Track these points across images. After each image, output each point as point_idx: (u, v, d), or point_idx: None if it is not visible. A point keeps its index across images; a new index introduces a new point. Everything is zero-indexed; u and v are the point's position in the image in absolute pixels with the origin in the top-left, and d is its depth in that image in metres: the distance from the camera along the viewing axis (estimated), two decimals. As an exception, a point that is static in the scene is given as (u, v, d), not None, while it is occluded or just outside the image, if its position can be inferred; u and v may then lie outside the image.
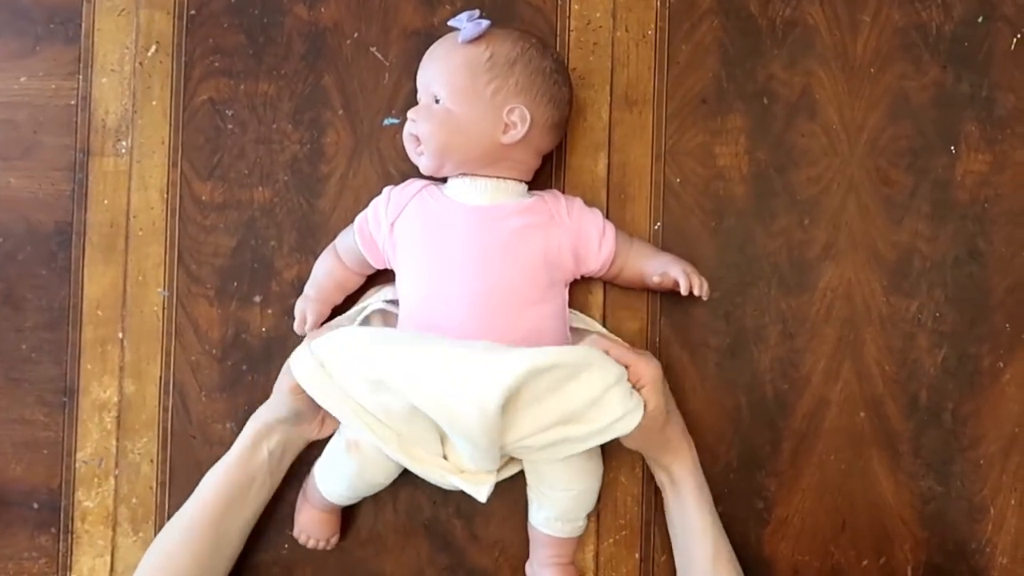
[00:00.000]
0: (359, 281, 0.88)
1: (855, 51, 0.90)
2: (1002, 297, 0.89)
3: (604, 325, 0.89)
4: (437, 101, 0.81)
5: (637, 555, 0.90)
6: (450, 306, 0.80)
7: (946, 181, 0.89)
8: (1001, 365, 0.88)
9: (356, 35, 0.92)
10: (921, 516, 0.88)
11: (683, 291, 0.82)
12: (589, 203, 0.87)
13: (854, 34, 0.90)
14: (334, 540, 0.89)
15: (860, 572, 0.89)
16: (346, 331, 0.80)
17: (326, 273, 0.87)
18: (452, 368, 0.73)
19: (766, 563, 0.89)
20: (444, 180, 0.84)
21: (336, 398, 0.78)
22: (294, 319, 0.87)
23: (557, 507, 0.85)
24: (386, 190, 0.85)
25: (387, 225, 0.83)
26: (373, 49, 0.92)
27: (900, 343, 0.89)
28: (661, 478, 0.85)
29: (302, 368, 0.78)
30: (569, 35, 0.91)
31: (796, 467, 0.89)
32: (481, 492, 0.80)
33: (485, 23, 0.80)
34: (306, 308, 0.86)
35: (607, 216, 0.88)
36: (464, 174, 0.83)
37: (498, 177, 0.82)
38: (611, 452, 0.89)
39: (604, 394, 0.75)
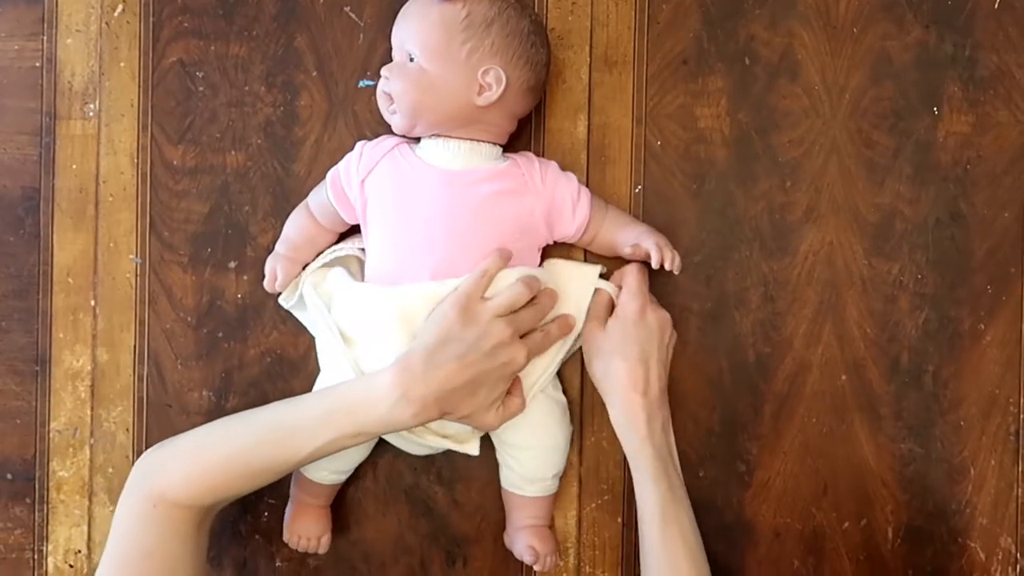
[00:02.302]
0: (331, 239, 0.86)
1: (837, 11, 0.88)
2: (983, 259, 0.88)
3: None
4: (411, 59, 0.80)
5: (619, 520, 0.90)
6: (416, 270, 0.79)
7: (928, 143, 0.88)
8: (982, 327, 0.88)
9: (330, -6, 0.90)
10: (902, 478, 0.89)
11: (654, 264, 0.81)
12: (568, 167, 0.85)
13: (836, -7, 0.88)
14: (326, 540, 0.87)
15: (841, 534, 0.89)
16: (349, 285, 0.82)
17: (298, 230, 0.85)
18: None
19: (748, 526, 0.89)
20: (418, 140, 0.83)
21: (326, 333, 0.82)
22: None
23: (523, 467, 0.85)
24: (359, 145, 0.83)
25: (358, 182, 0.81)
26: (347, 9, 0.90)
27: (881, 306, 0.88)
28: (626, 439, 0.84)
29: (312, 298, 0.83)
30: (547, -7, 0.89)
31: (777, 430, 0.89)
32: (472, 447, 0.82)
33: (462, -20, 0.79)
34: (276, 265, 0.85)
35: (587, 180, 0.87)
36: (437, 135, 0.81)
37: (471, 139, 0.81)
38: (594, 417, 0.89)
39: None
